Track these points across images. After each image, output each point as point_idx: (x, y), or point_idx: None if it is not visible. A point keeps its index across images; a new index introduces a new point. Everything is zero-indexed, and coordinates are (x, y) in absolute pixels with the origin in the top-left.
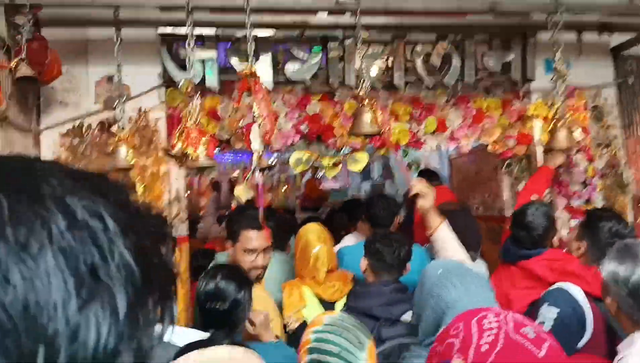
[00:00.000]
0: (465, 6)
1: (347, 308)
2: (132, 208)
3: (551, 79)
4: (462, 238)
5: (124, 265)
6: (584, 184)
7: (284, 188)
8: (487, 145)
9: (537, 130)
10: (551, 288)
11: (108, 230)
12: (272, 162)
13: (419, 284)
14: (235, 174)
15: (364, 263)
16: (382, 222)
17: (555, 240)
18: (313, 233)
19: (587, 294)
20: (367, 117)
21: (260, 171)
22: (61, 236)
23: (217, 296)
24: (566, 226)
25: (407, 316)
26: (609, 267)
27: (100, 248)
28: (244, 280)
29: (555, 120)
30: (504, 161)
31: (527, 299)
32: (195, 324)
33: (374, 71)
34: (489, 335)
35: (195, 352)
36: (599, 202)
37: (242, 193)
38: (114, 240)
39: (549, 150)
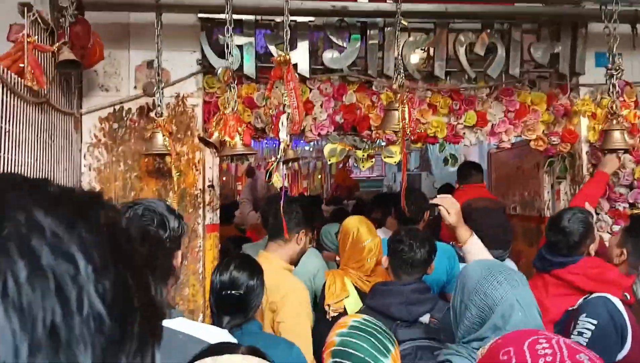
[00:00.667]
0: None
1: (366, 306)
2: (118, 234)
3: (605, 74)
4: (492, 236)
5: (94, 316)
6: (630, 187)
7: (320, 175)
8: (529, 141)
9: (584, 127)
10: (590, 297)
11: (78, 274)
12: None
13: (459, 285)
14: (272, 160)
15: (385, 261)
16: (409, 218)
17: (594, 246)
18: (363, 226)
19: (627, 305)
20: (396, 114)
21: (284, 163)
22: (18, 289)
23: (232, 284)
24: (609, 230)
25: (426, 318)
26: None
27: (65, 300)
28: (256, 268)
29: (609, 119)
30: (546, 158)
31: (562, 306)
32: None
33: (415, 58)
34: (544, 362)
35: (210, 359)
36: None
37: (278, 180)
38: (84, 285)
39: (603, 152)
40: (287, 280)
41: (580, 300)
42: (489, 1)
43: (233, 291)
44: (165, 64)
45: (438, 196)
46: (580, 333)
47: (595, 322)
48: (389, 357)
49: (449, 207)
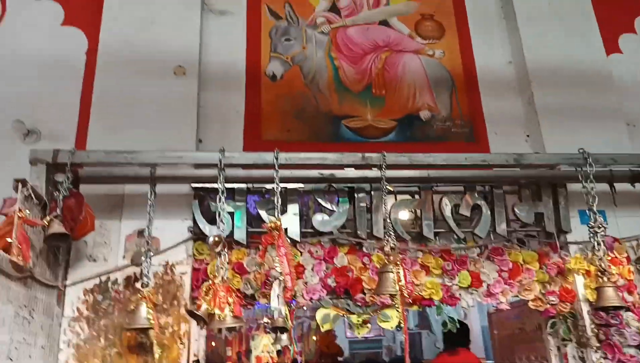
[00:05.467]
0: (490, 160)
1: None
2: None
3: (589, 233)
4: None
5: None
6: (639, 347)
7: (315, 337)
8: (527, 301)
9: (581, 286)
10: None
11: None
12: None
13: None
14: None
15: None
16: None
17: None
18: None
19: None
20: (391, 276)
21: (272, 330)
22: None
23: None
24: None
25: None
26: None
27: None
28: None
29: (599, 276)
30: (547, 319)
31: None
32: None
33: (404, 215)
34: None
35: None
36: None
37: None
38: None
39: (604, 311)
40: None
41: None
42: (468, 167)
43: None
44: (155, 232)
45: None
46: None
47: None
48: None
49: None
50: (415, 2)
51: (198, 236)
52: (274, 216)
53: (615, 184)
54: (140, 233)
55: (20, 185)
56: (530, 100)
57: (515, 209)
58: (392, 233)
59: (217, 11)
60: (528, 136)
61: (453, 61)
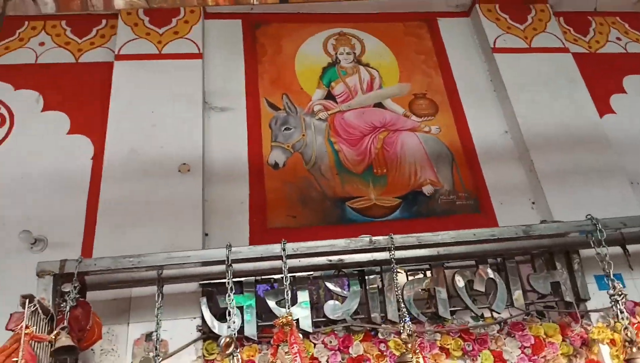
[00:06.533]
0: (499, 234)
1: None
2: None
3: (610, 301)
4: None
5: None
6: None
7: None
8: None
9: (607, 356)
10: None
11: None
12: None
13: None
14: None
15: None
16: None
17: None
18: None
19: None
20: None
21: None
22: None
23: None
24: None
25: None
26: None
27: None
28: None
29: (627, 347)
30: None
31: None
32: None
33: (417, 294)
34: None
35: None
36: None
37: None
38: None
39: None
40: None
41: None
42: (478, 242)
43: None
44: (164, 334)
45: None
46: None
47: None
48: None
49: None
50: (407, 84)
51: (207, 335)
52: (284, 307)
53: (627, 246)
54: (148, 336)
55: (27, 301)
56: (531, 167)
57: (531, 280)
58: (407, 317)
59: (218, 108)
60: (533, 203)
61: (450, 136)
